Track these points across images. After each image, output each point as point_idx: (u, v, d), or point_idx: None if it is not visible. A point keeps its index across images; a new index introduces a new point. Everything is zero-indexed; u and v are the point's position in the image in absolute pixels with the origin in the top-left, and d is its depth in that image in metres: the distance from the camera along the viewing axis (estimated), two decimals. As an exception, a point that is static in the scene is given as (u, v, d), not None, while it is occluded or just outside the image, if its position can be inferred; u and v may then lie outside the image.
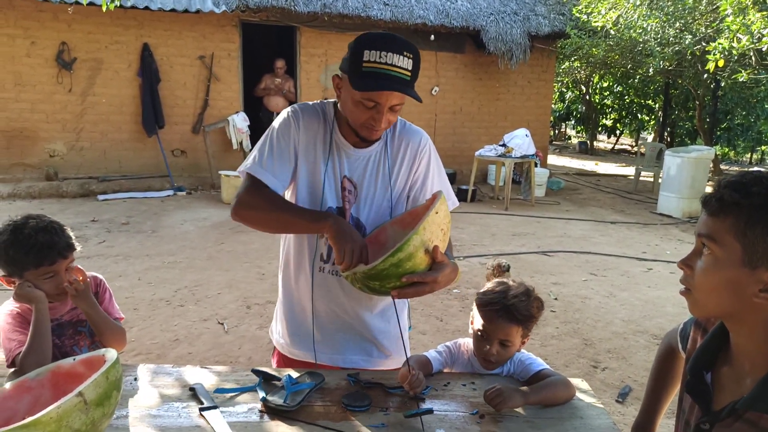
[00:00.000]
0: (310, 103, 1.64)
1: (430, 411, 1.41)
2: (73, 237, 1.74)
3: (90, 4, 7.05)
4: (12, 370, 1.60)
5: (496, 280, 1.72)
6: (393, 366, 1.72)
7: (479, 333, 1.65)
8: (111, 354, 1.27)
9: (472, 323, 1.70)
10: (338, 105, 1.58)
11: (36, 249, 1.62)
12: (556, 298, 4.83)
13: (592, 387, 3.34)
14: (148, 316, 4.10)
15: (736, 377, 1.07)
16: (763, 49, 6.92)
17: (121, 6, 7.40)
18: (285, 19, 8.82)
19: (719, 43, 6.85)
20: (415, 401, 1.48)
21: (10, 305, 1.72)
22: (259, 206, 1.51)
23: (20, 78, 8.11)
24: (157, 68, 8.54)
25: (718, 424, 1.04)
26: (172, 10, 8.01)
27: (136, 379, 1.57)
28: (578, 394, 1.60)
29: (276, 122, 1.61)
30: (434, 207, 1.38)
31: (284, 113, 1.60)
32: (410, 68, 1.41)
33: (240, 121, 8.86)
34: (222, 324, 4.00)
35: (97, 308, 1.74)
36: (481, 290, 1.69)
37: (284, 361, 1.77)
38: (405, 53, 1.40)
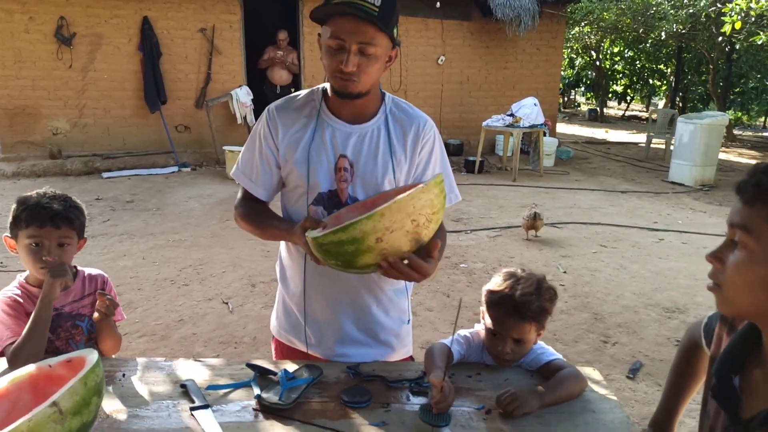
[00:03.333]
0: (295, 93, 1.59)
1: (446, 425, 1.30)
2: (83, 223, 1.68)
3: (85, -24, 6.89)
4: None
5: (505, 271, 1.60)
6: (392, 358, 1.64)
7: (491, 332, 1.57)
8: (91, 356, 1.20)
9: (482, 318, 1.61)
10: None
11: (35, 208, 1.57)
12: (564, 272, 4.73)
13: (602, 362, 3.31)
14: (152, 296, 4.05)
15: None
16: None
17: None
18: (286, -11, 8.59)
19: (736, 4, 6.60)
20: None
21: (10, 290, 1.66)
22: (248, 221, 1.58)
23: (20, 54, 7.99)
24: (157, 42, 8.38)
25: None
26: (170, -19, 7.82)
27: (124, 375, 1.50)
28: (590, 385, 1.51)
29: (257, 122, 1.58)
30: (411, 192, 1.20)
31: (264, 112, 1.57)
32: (378, 4, 1.31)
33: (243, 95, 8.71)
34: (227, 303, 3.95)
35: (113, 325, 1.72)
36: (490, 285, 1.59)
37: (280, 348, 1.71)
38: None
